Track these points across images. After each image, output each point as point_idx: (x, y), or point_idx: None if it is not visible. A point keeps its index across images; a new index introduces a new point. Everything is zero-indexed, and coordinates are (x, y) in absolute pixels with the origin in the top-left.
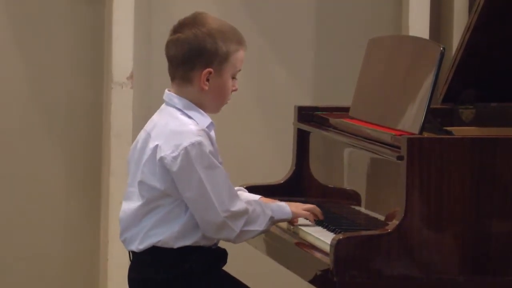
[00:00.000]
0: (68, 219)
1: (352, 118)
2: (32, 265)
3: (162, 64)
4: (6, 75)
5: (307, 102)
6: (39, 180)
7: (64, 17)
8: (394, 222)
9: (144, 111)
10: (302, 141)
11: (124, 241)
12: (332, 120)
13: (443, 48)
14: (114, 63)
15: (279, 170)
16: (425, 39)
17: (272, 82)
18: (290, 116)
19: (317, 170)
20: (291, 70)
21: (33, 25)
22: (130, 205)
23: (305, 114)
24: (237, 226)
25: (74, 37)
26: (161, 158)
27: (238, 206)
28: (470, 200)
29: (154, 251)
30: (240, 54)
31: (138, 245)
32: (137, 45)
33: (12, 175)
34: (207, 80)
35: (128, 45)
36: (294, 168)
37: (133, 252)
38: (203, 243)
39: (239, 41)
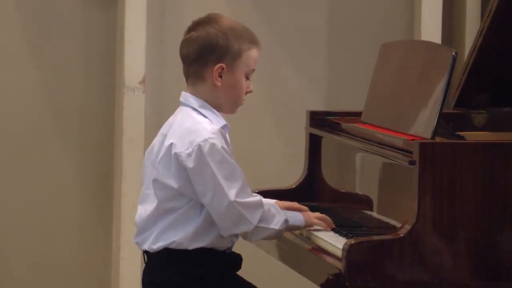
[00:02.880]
0: (81, 223)
1: (364, 122)
2: (44, 269)
3: (174, 68)
4: (19, 80)
5: (319, 106)
6: (51, 185)
7: (76, 22)
8: (406, 227)
9: (156, 115)
10: (314, 146)
11: (137, 243)
12: (344, 125)
13: (455, 53)
14: (126, 67)
15: (291, 174)
16: (437, 44)
17: (284, 86)
18: (302, 121)
19: (329, 174)
20: (303, 75)
21: (46, 30)
22: (146, 208)
23: (317, 119)
24: (254, 218)
25: (87, 41)
26: (176, 154)
27: (252, 198)
28: (482, 205)
29: (169, 253)
30: (253, 52)
31: (151, 245)
32: (149, 49)
33: (24, 179)
34: (220, 76)
35: (140, 49)
36: (306, 172)
37: (147, 254)
38: (218, 245)
39: (252, 40)
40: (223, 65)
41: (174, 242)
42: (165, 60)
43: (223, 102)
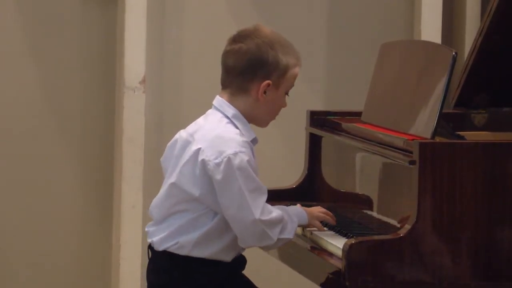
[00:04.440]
0: (81, 223)
1: (364, 122)
2: (44, 269)
3: (174, 68)
4: (19, 80)
5: (319, 106)
6: (51, 185)
7: (76, 22)
8: (406, 227)
9: (157, 115)
10: (314, 146)
11: (147, 232)
12: (344, 125)
13: (455, 53)
14: (126, 67)
15: (291, 174)
16: (437, 44)
17: None
18: (302, 121)
19: (329, 174)
20: (303, 75)
21: (46, 30)
22: (162, 202)
23: (317, 119)
24: (275, 233)
25: (87, 41)
26: (203, 161)
27: (273, 215)
28: (482, 205)
29: (171, 257)
30: (296, 70)
31: (158, 243)
32: (149, 49)
33: (25, 180)
34: (264, 92)
35: (140, 49)
36: (306, 172)
37: (152, 251)
38: (222, 257)
39: (297, 57)
40: (270, 82)
41: (177, 243)
42: (165, 60)
43: (260, 116)
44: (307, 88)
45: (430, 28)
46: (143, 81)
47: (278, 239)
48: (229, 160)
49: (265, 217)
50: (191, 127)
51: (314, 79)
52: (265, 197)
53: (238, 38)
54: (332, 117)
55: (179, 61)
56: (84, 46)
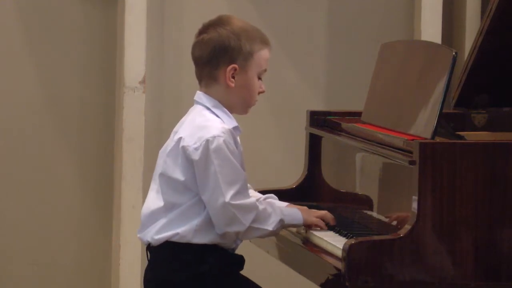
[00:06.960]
0: (81, 223)
1: (364, 122)
2: (44, 270)
3: (174, 68)
4: (19, 80)
5: (319, 106)
6: (51, 185)
7: (76, 22)
8: (406, 227)
9: (157, 115)
10: (314, 146)
11: (140, 238)
12: (344, 125)
13: (456, 53)
14: (126, 67)
15: (291, 174)
16: (437, 44)
17: (284, 86)
18: (302, 121)
19: (329, 174)
20: (303, 75)
21: (46, 30)
22: (151, 203)
23: (317, 119)
24: (246, 220)
25: (87, 41)
26: (183, 148)
27: (247, 200)
28: (483, 205)
29: (172, 247)
30: (265, 53)
31: (154, 236)
32: (150, 49)
33: (24, 179)
34: (233, 77)
35: (140, 49)
36: (306, 172)
37: (151, 250)
38: (220, 241)
39: (263, 40)
40: (236, 66)
41: (177, 234)
42: (165, 60)
43: (236, 103)
44: (307, 88)
45: (430, 28)
46: (143, 81)
47: (252, 227)
48: (206, 142)
49: (236, 201)
50: (176, 126)
51: (314, 79)
52: (240, 182)
53: (202, 29)
54: (332, 117)
55: (179, 61)
56: (84, 46)
